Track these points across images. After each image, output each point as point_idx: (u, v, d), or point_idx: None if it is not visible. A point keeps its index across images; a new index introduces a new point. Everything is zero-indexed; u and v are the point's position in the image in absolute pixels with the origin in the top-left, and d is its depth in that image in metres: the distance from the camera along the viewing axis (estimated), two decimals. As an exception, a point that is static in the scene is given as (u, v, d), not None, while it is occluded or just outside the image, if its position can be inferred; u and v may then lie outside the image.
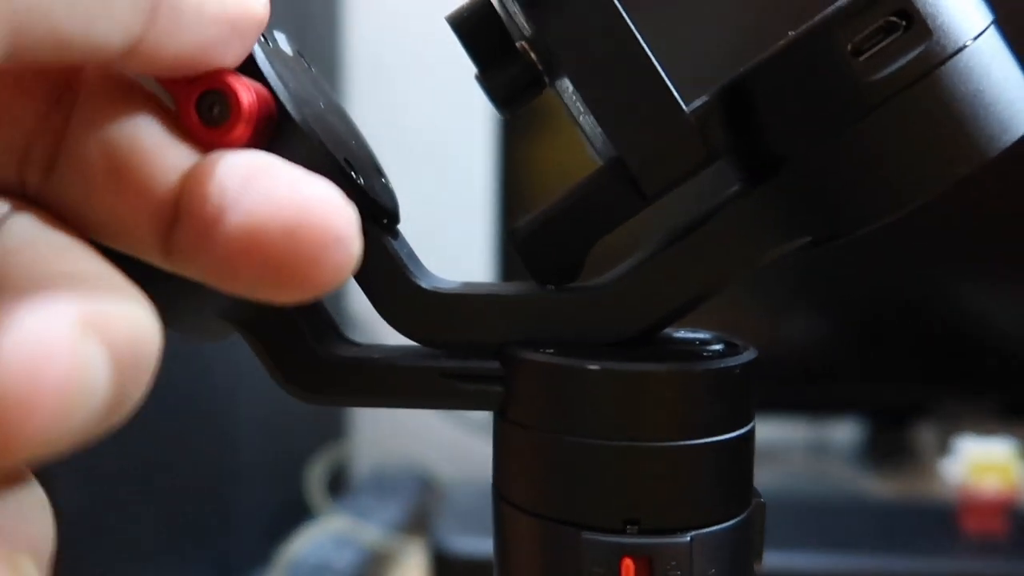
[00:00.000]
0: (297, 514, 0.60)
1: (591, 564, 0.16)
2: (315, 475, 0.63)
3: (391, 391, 0.18)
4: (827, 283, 0.66)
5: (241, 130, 0.14)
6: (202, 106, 0.14)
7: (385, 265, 0.17)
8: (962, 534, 0.53)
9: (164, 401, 0.45)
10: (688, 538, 0.16)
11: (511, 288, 0.18)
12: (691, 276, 0.17)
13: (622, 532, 0.16)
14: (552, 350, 0.17)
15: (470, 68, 0.19)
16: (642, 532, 0.16)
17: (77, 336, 0.11)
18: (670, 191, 0.17)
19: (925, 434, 0.69)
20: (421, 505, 0.65)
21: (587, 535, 0.16)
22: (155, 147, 0.13)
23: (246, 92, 0.14)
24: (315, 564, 0.54)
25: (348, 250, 0.12)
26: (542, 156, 0.65)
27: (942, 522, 0.54)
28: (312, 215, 0.12)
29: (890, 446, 0.69)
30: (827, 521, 0.56)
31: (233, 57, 0.14)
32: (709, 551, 0.17)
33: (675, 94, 0.16)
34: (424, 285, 0.17)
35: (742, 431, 0.17)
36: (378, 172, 0.19)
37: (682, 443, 0.16)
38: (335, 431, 0.71)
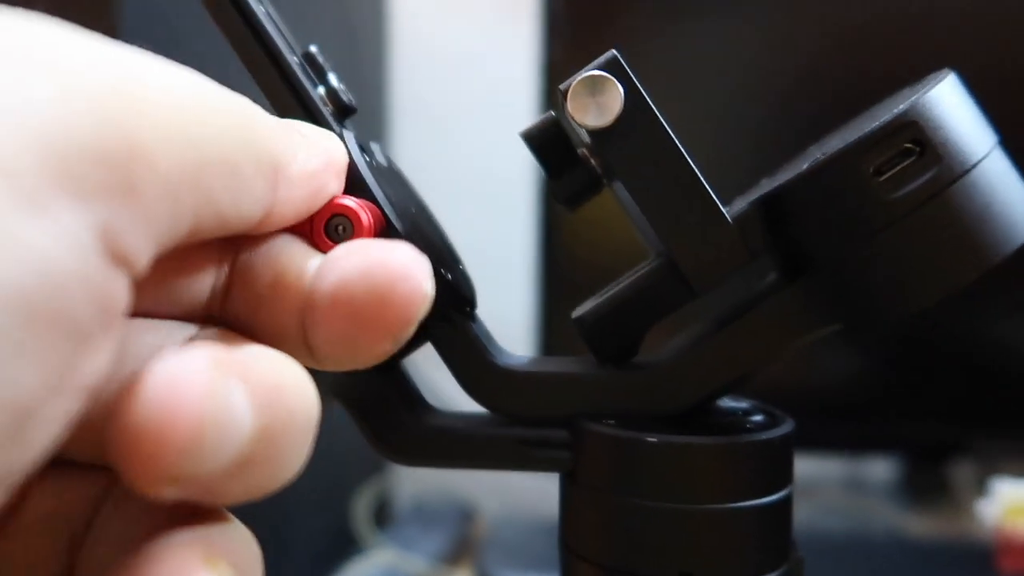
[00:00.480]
0: (343, 545, 0.62)
1: None
2: (361, 506, 0.65)
3: (472, 456, 0.20)
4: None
5: None
6: (330, 228, 0.16)
7: (468, 347, 0.20)
8: (999, 574, 0.53)
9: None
10: None
11: (576, 366, 0.20)
12: (736, 359, 0.20)
13: None
14: (614, 422, 0.19)
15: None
16: None
17: (213, 370, 0.12)
18: (717, 287, 0.20)
19: (962, 473, 0.70)
20: (463, 536, 0.67)
21: None
22: (301, 259, 0.16)
23: (364, 212, 0.17)
24: (364, 596, 0.56)
25: (421, 287, 0.15)
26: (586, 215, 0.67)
27: (978, 562, 0.54)
28: (390, 265, 0.15)
29: (927, 484, 0.69)
30: (862, 558, 0.57)
31: (336, 189, 0.17)
32: None
33: (720, 206, 0.18)
34: (501, 364, 0.20)
35: (781, 494, 0.19)
36: (456, 261, 0.22)
37: (728, 506, 0.18)
38: (379, 462, 0.73)
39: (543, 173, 0.20)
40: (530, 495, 0.57)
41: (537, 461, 0.20)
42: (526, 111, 0.65)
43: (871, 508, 0.69)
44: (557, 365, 0.20)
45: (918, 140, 0.18)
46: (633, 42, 0.59)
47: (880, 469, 0.73)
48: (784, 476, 0.19)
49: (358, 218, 0.17)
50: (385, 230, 0.18)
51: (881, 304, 0.19)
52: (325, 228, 0.17)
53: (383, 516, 0.70)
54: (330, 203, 0.17)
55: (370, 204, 0.17)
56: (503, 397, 0.20)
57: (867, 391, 0.67)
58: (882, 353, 0.67)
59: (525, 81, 0.67)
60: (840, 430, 0.68)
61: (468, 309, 0.21)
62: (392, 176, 0.20)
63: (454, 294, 0.20)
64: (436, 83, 0.77)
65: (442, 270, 0.19)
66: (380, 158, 0.20)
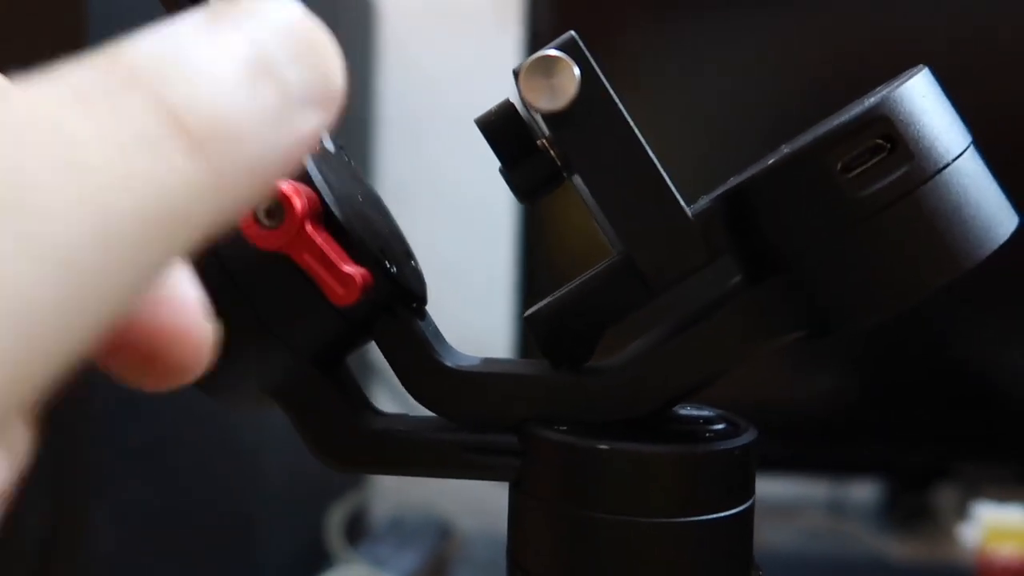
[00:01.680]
0: (316, 560, 0.61)
1: None
2: (334, 521, 0.64)
3: (415, 462, 0.19)
4: (850, 342, 0.67)
5: (291, 231, 0.16)
6: (259, 212, 0.16)
7: (412, 345, 0.19)
8: (980, 599, 0.53)
9: (192, 451, 0.47)
10: None
11: (529, 368, 0.19)
12: (696, 364, 0.19)
13: None
14: (566, 428, 0.18)
15: None
16: None
17: None
18: (675, 286, 0.19)
19: (945, 497, 0.69)
20: (439, 554, 0.66)
21: None
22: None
23: (297, 197, 0.16)
24: (333, 611, 0.55)
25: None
26: (568, 211, 0.66)
27: (960, 587, 0.54)
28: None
29: (910, 508, 0.68)
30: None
31: (290, 175, 0.15)
32: None
33: (680, 201, 0.17)
34: (448, 364, 0.19)
35: (741, 508, 0.18)
36: (408, 256, 0.21)
37: (685, 520, 0.17)
38: (355, 478, 0.71)
39: (499, 168, 0.20)
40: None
41: (482, 468, 0.19)
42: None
43: (853, 532, 0.68)
44: (508, 367, 0.19)
45: (889, 136, 0.17)
46: (619, 59, 0.58)
47: (863, 492, 0.72)
48: (744, 488, 0.18)
49: (290, 203, 0.16)
50: (321, 215, 0.17)
51: (846, 309, 0.18)
52: (254, 212, 0.16)
53: (358, 532, 0.69)
54: None
55: (307, 188, 0.17)
56: (447, 399, 0.19)
57: (850, 414, 0.67)
58: (866, 376, 0.67)
59: (510, 95, 0.67)
60: (823, 453, 0.67)
61: (415, 305, 0.20)
62: (340, 165, 0.19)
63: (399, 289, 0.19)
64: (421, 96, 0.77)
65: (387, 263, 0.18)
66: (328, 144, 0.19)
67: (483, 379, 0.19)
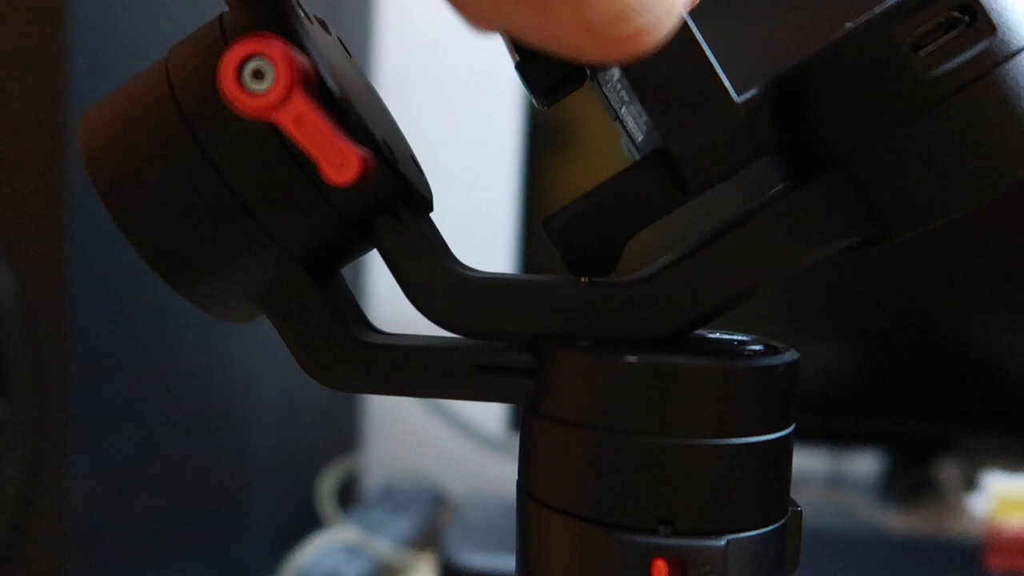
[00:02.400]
0: (307, 524, 0.59)
1: (621, 565, 0.15)
2: (326, 486, 0.62)
3: (418, 382, 0.17)
4: (852, 313, 0.65)
5: (280, 93, 0.14)
6: (244, 72, 0.14)
7: (418, 249, 0.17)
8: (986, 571, 0.51)
9: (177, 404, 0.45)
10: (724, 542, 0.16)
11: (545, 279, 0.17)
12: (731, 274, 0.17)
13: (655, 532, 0.15)
14: (586, 344, 0.16)
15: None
16: (676, 533, 0.15)
17: None
18: (713, 185, 0.17)
19: (948, 469, 0.68)
20: (432, 521, 0.65)
21: (618, 534, 0.15)
22: None
23: (289, 58, 0.14)
24: (324, 574, 0.53)
25: None
26: (566, 175, 0.65)
27: (966, 559, 0.53)
28: None
29: (912, 480, 0.67)
30: (845, 553, 0.55)
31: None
32: (745, 557, 0.16)
33: (727, 83, 0.15)
34: (456, 271, 0.17)
35: (783, 434, 0.16)
36: (414, 162, 0.19)
37: (722, 442, 0.16)
38: (347, 443, 0.70)
39: (515, 63, 0.17)
40: (503, 479, 0.54)
41: (493, 389, 0.17)
42: (512, 93, 0.62)
43: (854, 505, 0.67)
44: (523, 277, 0.17)
45: (967, 6, 0.15)
46: None
47: (864, 466, 0.71)
48: (786, 413, 0.17)
49: (280, 61, 0.13)
50: (316, 86, 0.15)
51: (910, 207, 0.16)
52: (238, 71, 0.14)
53: (350, 499, 0.68)
54: (245, 40, 0.14)
55: (301, 54, 0.15)
56: (457, 310, 0.17)
57: (852, 385, 0.66)
58: (868, 347, 0.65)
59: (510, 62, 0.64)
60: (823, 425, 0.66)
61: (421, 209, 0.18)
62: (339, 52, 0.17)
63: (403, 185, 0.17)
64: (420, 61, 0.75)
65: (387, 156, 0.16)
66: (332, 32, 0.17)
67: (495, 288, 0.17)
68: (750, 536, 0.16)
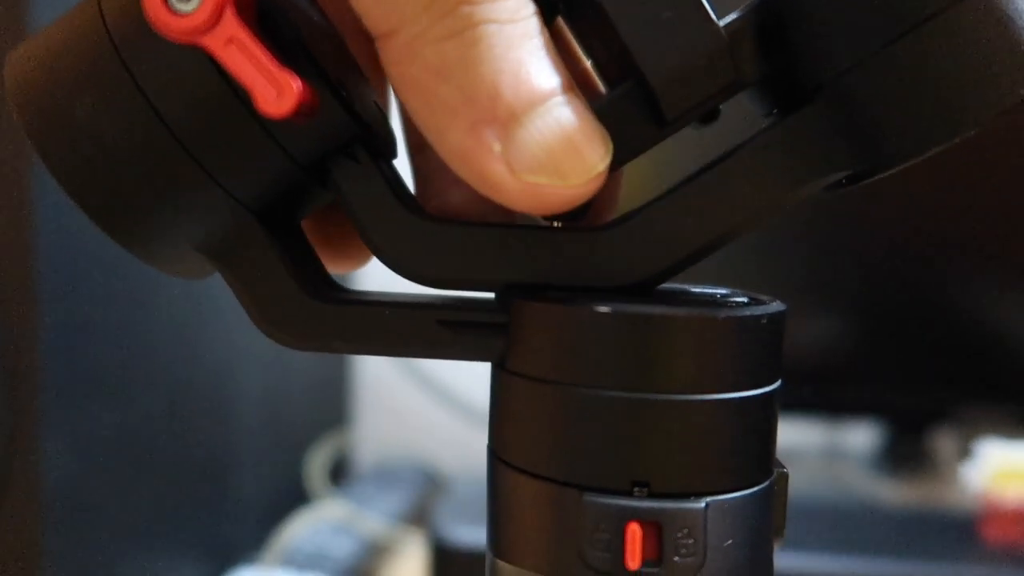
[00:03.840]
0: (296, 502, 0.59)
1: (593, 529, 0.14)
2: (316, 462, 0.61)
3: (383, 337, 0.16)
4: (845, 283, 0.65)
5: (208, 13, 0.13)
6: None
7: (378, 193, 0.16)
8: (982, 543, 0.51)
9: (156, 380, 0.44)
10: (703, 504, 0.15)
11: (514, 224, 0.16)
12: (711, 215, 0.16)
13: (629, 494, 0.15)
14: (555, 295, 0.15)
15: None
16: (652, 495, 0.15)
17: None
18: (691, 120, 0.16)
19: (944, 440, 0.67)
20: (423, 498, 0.64)
21: (590, 497, 0.15)
22: None
23: None
24: (312, 552, 0.52)
25: None
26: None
27: (961, 530, 0.52)
28: None
29: (907, 452, 0.67)
30: (841, 525, 0.54)
31: None
32: (725, 520, 0.15)
33: (707, 6, 0.14)
34: (420, 216, 0.16)
35: (767, 389, 0.15)
36: (380, 110, 0.18)
37: (701, 397, 0.15)
38: (336, 420, 0.69)
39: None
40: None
41: (461, 346, 0.16)
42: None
43: (849, 477, 0.67)
44: (489, 223, 0.16)
45: None
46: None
47: (859, 438, 0.71)
48: (771, 367, 0.15)
49: None
50: (254, 11, 0.14)
51: (904, 134, 0.15)
52: None
53: (340, 476, 0.67)
54: None
55: None
56: (417, 256, 0.16)
57: (846, 356, 0.65)
58: (862, 318, 0.65)
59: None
60: (818, 395, 0.65)
61: (383, 154, 0.17)
62: None
63: (359, 124, 0.16)
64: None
65: (337, 92, 0.15)
66: None
67: (463, 233, 0.16)
68: (731, 498, 0.15)
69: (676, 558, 0.14)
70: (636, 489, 0.15)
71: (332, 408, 0.69)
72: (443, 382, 0.70)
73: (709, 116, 0.16)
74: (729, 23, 0.15)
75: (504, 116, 0.14)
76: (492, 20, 0.13)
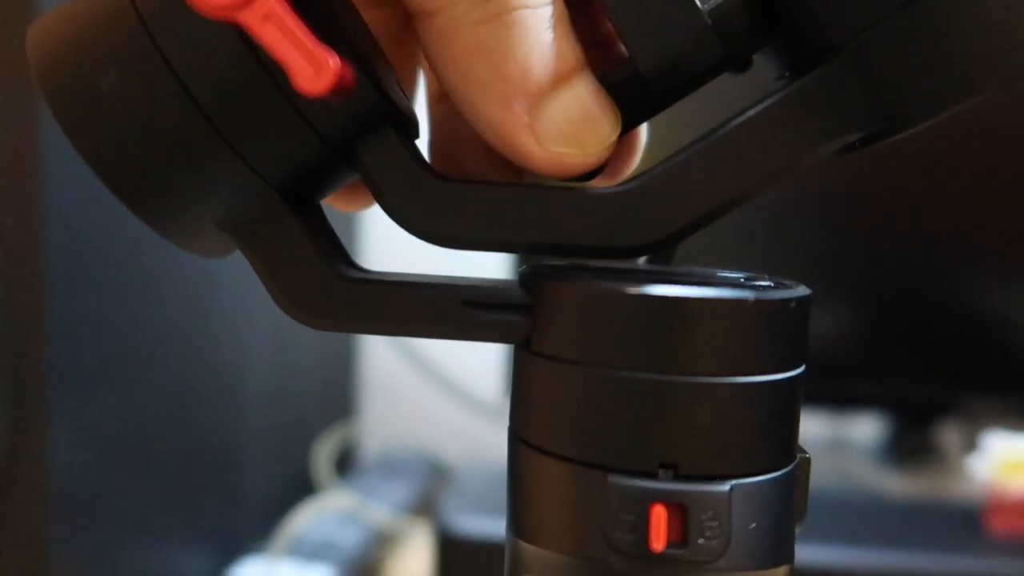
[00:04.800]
0: (302, 493, 0.59)
1: (618, 511, 0.14)
2: (322, 453, 0.61)
3: (406, 317, 0.16)
4: (852, 276, 0.64)
5: None
6: None
7: (401, 165, 0.16)
8: (988, 534, 0.51)
9: (169, 370, 0.44)
10: (728, 487, 0.15)
11: (532, 185, 0.16)
12: (726, 174, 0.16)
13: (655, 476, 0.14)
14: (583, 275, 0.15)
15: None
16: (677, 478, 0.14)
17: None
18: (685, 93, 0.16)
19: (949, 433, 0.67)
20: (429, 489, 0.64)
21: (615, 479, 0.14)
22: None
23: None
24: (318, 542, 0.52)
25: None
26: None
27: (967, 521, 0.52)
28: None
29: (913, 444, 0.66)
30: (847, 517, 0.54)
31: None
32: (750, 503, 0.15)
33: None
34: (441, 179, 0.16)
35: (793, 373, 0.15)
36: (400, 88, 0.18)
37: (729, 380, 0.15)
38: (343, 411, 0.69)
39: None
40: (500, 446, 0.54)
41: (485, 327, 0.16)
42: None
43: (855, 469, 0.67)
44: (507, 184, 0.16)
45: None
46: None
47: (864, 430, 0.71)
48: (797, 351, 0.15)
49: None
50: None
51: (921, 92, 0.15)
52: None
53: (346, 467, 0.67)
54: None
55: None
56: (437, 217, 0.16)
57: (852, 349, 0.65)
58: (868, 311, 0.65)
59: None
60: (824, 388, 0.65)
61: (408, 130, 0.16)
62: None
63: (387, 104, 0.16)
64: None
65: (369, 71, 0.15)
66: None
67: (481, 195, 0.16)
68: (756, 482, 0.15)
69: (701, 540, 0.14)
70: (662, 471, 0.14)
71: (338, 399, 0.70)
72: (449, 373, 0.70)
73: (743, 65, 0.17)
74: (716, 6, 0.15)
75: (534, 92, 0.15)
76: (525, 5, 0.14)
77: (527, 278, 0.16)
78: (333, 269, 0.16)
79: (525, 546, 0.16)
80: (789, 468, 0.16)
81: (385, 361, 0.72)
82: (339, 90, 0.13)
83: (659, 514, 0.14)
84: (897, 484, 0.65)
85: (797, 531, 0.17)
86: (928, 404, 0.66)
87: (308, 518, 0.54)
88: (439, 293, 0.16)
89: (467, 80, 0.15)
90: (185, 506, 0.47)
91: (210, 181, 0.15)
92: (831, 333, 0.64)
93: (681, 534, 0.14)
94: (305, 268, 0.16)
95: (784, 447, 0.16)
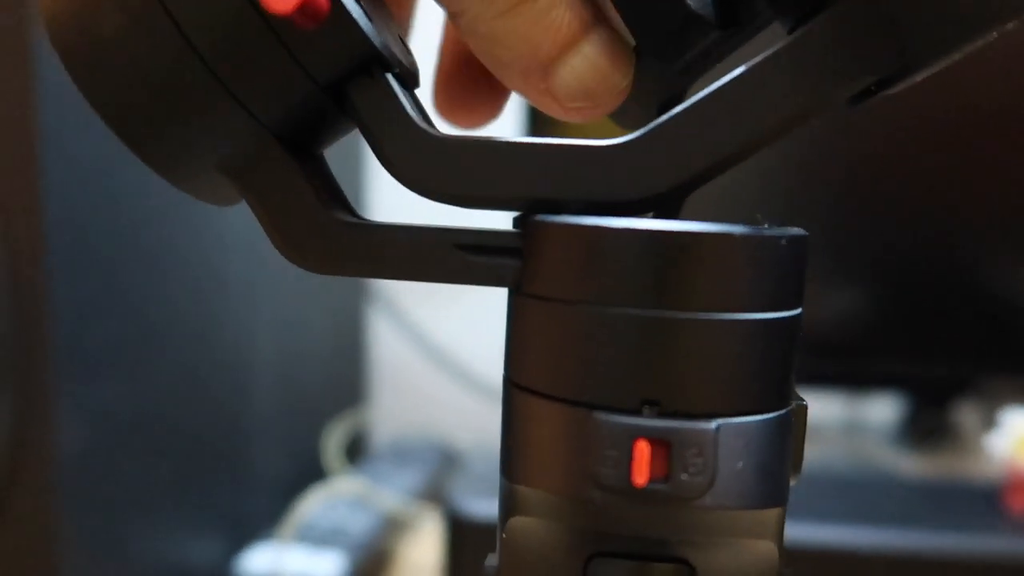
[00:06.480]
0: (312, 478, 0.59)
1: (603, 447, 0.14)
2: (332, 439, 0.61)
3: (400, 261, 0.16)
4: (868, 255, 0.64)
5: None
6: None
7: (393, 110, 0.16)
8: (1007, 513, 0.50)
9: (177, 355, 0.44)
10: (714, 425, 0.14)
11: (531, 139, 0.16)
12: (733, 124, 0.15)
13: (638, 413, 0.14)
14: (570, 214, 0.15)
15: None
16: (662, 414, 0.14)
17: None
18: (705, 66, 0.17)
19: (967, 412, 0.67)
20: (439, 475, 0.64)
21: (600, 415, 0.14)
22: None
23: None
24: (328, 528, 0.52)
25: None
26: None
27: (985, 500, 0.51)
28: None
29: (930, 424, 0.66)
30: (864, 498, 0.53)
31: None
32: (737, 443, 0.14)
33: None
34: (436, 132, 0.16)
35: (784, 314, 0.15)
36: (403, 45, 0.18)
37: (715, 316, 0.14)
38: (353, 397, 0.69)
39: None
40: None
41: (477, 270, 0.16)
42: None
43: (872, 450, 0.66)
44: (506, 138, 0.16)
45: None
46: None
47: (881, 411, 0.70)
48: (791, 292, 0.15)
49: None
50: None
51: (935, 26, 0.14)
52: None
53: (358, 452, 0.67)
54: None
55: None
56: (433, 171, 0.16)
57: (868, 329, 0.64)
58: (884, 289, 0.64)
59: None
60: (840, 368, 0.65)
61: (402, 78, 0.17)
62: None
63: (378, 44, 0.16)
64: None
65: (359, 7, 0.15)
66: None
67: (479, 148, 0.16)
68: (744, 422, 0.15)
69: (684, 476, 0.14)
70: (646, 408, 0.14)
71: (348, 385, 0.69)
72: (459, 360, 0.70)
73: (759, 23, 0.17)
74: None
75: (545, 62, 0.17)
76: None
77: (520, 221, 0.16)
78: (329, 213, 0.16)
79: (515, 487, 0.15)
80: (782, 412, 0.15)
81: (395, 347, 0.72)
82: (309, 11, 0.13)
83: (642, 450, 0.14)
84: (915, 464, 0.64)
85: (792, 484, 0.16)
86: (945, 383, 0.65)
87: (318, 504, 0.54)
88: (434, 237, 0.16)
89: (494, 64, 0.17)
90: (194, 492, 0.47)
91: (208, 124, 0.16)
92: (846, 313, 0.64)
93: (665, 470, 0.14)
94: (302, 211, 0.16)
95: (775, 389, 0.15)
